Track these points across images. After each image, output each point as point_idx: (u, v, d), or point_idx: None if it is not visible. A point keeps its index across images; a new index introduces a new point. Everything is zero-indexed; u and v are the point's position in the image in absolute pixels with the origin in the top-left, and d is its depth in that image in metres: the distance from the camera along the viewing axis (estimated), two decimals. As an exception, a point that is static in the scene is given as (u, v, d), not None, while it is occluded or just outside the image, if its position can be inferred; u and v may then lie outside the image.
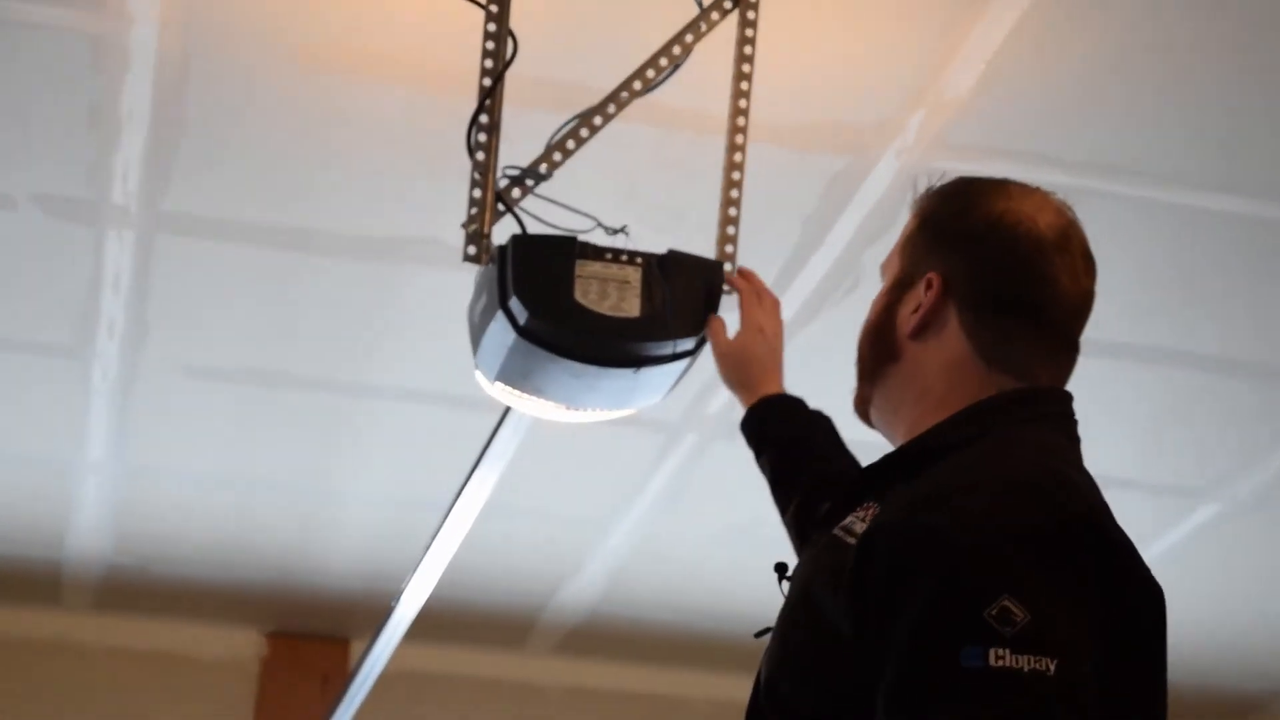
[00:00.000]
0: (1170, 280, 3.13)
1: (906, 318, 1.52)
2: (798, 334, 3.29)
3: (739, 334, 2.02)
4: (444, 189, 2.74)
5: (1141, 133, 2.79)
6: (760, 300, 2.05)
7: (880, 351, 1.54)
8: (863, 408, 1.58)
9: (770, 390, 1.95)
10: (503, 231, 2.14)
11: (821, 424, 1.91)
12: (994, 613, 1.27)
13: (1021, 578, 1.28)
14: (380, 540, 4.05)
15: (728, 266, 2.14)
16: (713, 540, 4.00)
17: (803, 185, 2.93)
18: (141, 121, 2.80)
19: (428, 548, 2.89)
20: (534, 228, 2.15)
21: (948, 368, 1.49)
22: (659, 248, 2.11)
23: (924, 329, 1.50)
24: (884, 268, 1.60)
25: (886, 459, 1.48)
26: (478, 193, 2.14)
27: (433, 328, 3.27)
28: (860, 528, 1.39)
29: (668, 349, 2.07)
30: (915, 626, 1.29)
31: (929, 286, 1.50)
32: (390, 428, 3.62)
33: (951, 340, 1.49)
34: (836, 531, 1.42)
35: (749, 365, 1.98)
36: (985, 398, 1.46)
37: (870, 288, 1.63)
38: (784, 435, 1.88)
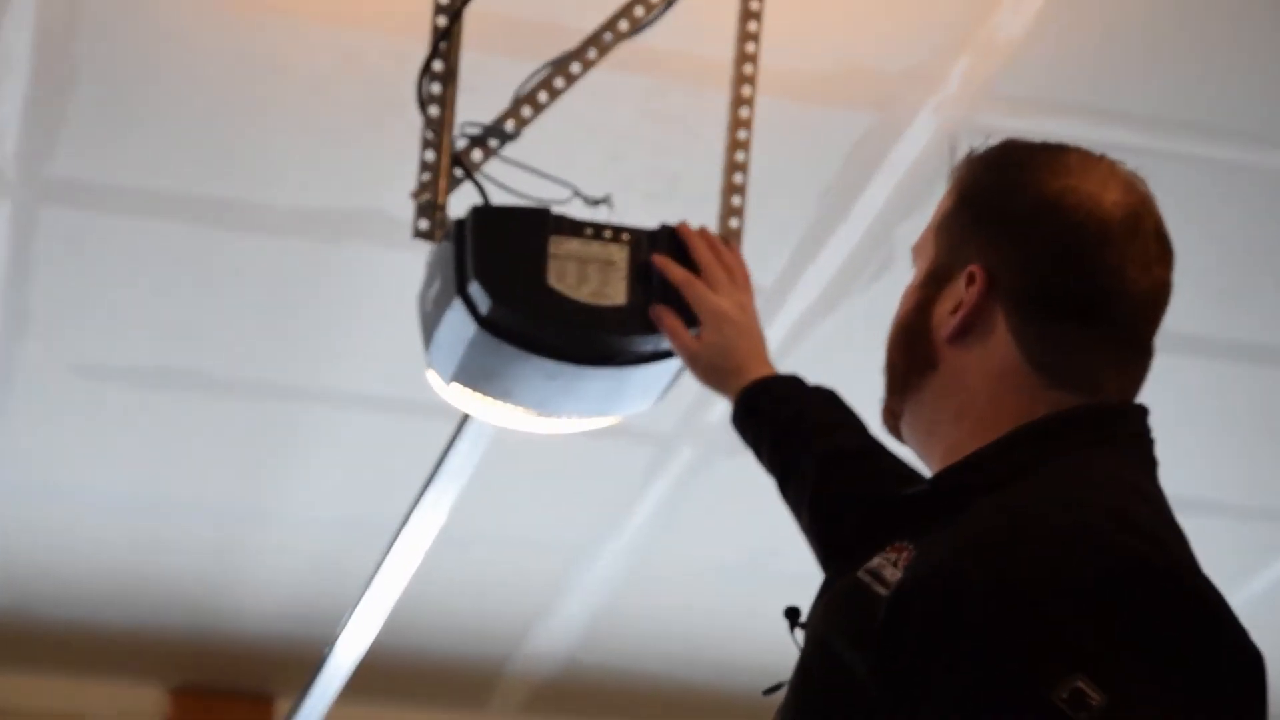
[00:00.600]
0: (1255, 259, 3.13)
1: (944, 318, 1.52)
2: (816, 327, 3.26)
3: (701, 329, 2.02)
4: (390, 151, 2.73)
5: (1218, 82, 2.78)
6: (712, 280, 2.03)
7: (912, 358, 1.54)
8: (892, 422, 1.58)
9: (756, 375, 1.96)
10: (461, 202, 2.13)
11: (822, 396, 1.92)
12: (1064, 696, 1.27)
13: (1094, 650, 1.28)
14: (312, 575, 4.04)
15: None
16: (713, 576, 4.00)
17: (823, 147, 2.91)
18: (21, 71, 2.79)
19: (369, 584, 2.88)
20: (499, 198, 2.15)
21: (993, 379, 1.49)
22: (650, 221, 2.11)
23: (965, 332, 1.50)
24: (916, 252, 1.59)
25: (922, 493, 1.48)
26: (430, 155, 2.12)
27: (376, 318, 3.25)
28: (891, 574, 1.39)
29: (660, 344, 2.08)
30: (966, 710, 1.29)
31: (971, 281, 1.50)
32: (325, 439, 3.61)
33: (998, 346, 1.49)
34: (861, 575, 1.42)
35: (723, 359, 1.98)
36: (1039, 417, 1.47)
37: (903, 272, 1.63)
38: (779, 417, 1.89)
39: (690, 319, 2.03)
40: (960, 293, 1.51)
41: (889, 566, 1.41)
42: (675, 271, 2.04)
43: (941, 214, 1.57)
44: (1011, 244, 1.50)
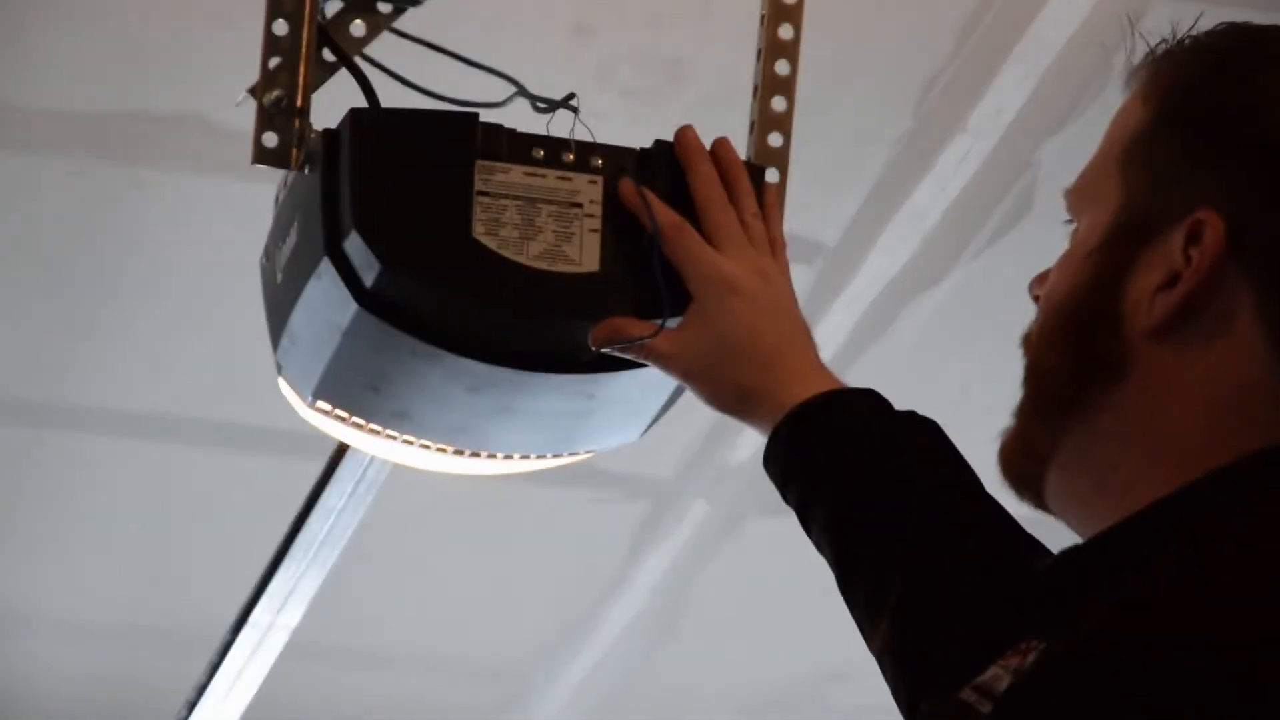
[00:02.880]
0: None
1: (1145, 296, 1.35)
2: (904, 312, 2.98)
3: (688, 318, 1.72)
4: (210, 21, 2.61)
5: None
6: (713, 230, 1.74)
7: (1088, 361, 1.38)
8: (1031, 469, 1.39)
9: (799, 389, 1.66)
10: (333, 105, 1.87)
11: (920, 432, 1.65)
12: None
13: None
14: (92, 704, 3.82)
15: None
16: (738, 710, 3.77)
17: (925, 13, 2.67)
18: None
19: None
20: (394, 99, 1.92)
21: (1225, 396, 1.33)
22: (637, 136, 1.84)
23: (1187, 318, 1.34)
24: (1081, 196, 1.42)
25: (1066, 560, 1.35)
26: (281, 27, 1.88)
27: (189, 292, 3.02)
28: (1005, 684, 1.27)
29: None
30: None
31: (1195, 238, 1.33)
32: (108, 489, 3.39)
33: (1238, 342, 1.34)
34: (965, 695, 1.30)
35: (734, 358, 1.72)
36: (1275, 444, 1.29)
37: (1049, 220, 1.48)
38: (846, 464, 1.64)
39: (678, 302, 1.72)
40: (1176, 256, 1.34)
41: (1004, 675, 1.29)
42: (671, 224, 1.71)
43: (1130, 135, 1.40)
44: (1268, 179, 1.34)
